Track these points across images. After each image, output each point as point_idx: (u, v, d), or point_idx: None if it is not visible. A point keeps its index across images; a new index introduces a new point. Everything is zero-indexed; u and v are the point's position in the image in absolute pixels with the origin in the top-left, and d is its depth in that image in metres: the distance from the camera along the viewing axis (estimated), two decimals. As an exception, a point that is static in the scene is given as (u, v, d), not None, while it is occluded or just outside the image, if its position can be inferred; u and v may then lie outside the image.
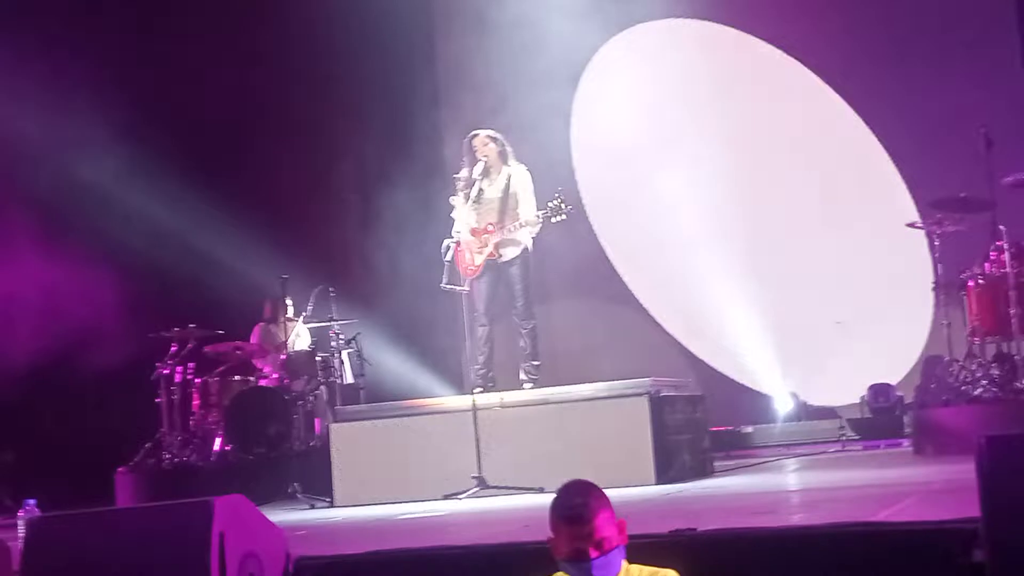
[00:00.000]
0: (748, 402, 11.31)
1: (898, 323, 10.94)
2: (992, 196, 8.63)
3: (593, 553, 3.49)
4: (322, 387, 10.29)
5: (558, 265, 11.09)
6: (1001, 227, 8.35)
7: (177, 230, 10.53)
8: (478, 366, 8.67)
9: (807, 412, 11.16)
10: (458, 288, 8.50)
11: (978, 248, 8.68)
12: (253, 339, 10.83)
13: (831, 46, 11.47)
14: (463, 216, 8.63)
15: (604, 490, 3.63)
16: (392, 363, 11.21)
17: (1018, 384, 8.10)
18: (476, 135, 8.71)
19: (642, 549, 3.72)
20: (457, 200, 8.72)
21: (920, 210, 10.21)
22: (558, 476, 6.98)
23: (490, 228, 8.56)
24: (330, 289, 10.36)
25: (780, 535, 4.53)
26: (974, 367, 8.33)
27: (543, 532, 3.63)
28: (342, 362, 10.44)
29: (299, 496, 8.52)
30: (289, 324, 10.59)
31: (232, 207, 10.52)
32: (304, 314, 10.62)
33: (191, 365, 10.11)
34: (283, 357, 10.34)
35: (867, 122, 11.43)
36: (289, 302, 10.56)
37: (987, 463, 3.74)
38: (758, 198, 11.59)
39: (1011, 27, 10.87)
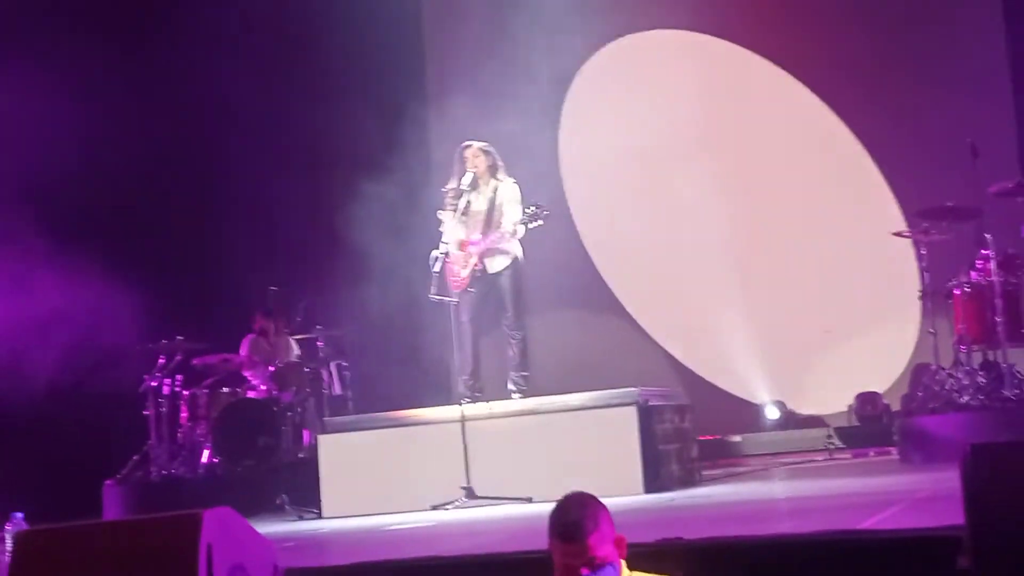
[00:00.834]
0: (736, 411, 11.32)
1: (885, 332, 10.97)
2: (978, 205, 8.66)
3: (584, 571, 3.50)
4: (311, 398, 10.29)
5: (546, 275, 11.10)
6: (987, 236, 8.38)
7: (162, 238, 10.52)
8: (466, 377, 8.67)
9: (795, 421, 11.17)
10: (447, 299, 8.50)
11: (964, 257, 8.72)
12: (243, 351, 10.84)
13: (818, 56, 11.50)
14: (451, 229, 8.63)
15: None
16: (380, 374, 11.19)
17: (1004, 392, 8.12)
18: (468, 146, 8.70)
19: (630, 558, 3.73)
20: (445, 214, 8.71)
21: (907, 219, 10.26)
22: (546, 486, 7.00)
23: (475, 240, 8.57)
24: (317, 300, 10.37)
25: (767, 543, 4.55)
26: (961, 375, 8.36)
27: (531, 542, 3.64)
28: (330, 373, 10.45)
29: (287, 508, 8.51)
30: (279, 336, 10.60)
31: (221, 217, 10.51)
32: (292, 326, 10.62)
33: (179, 377, 10.11)
34: (272, 369, 10.33)
35: (854, 132, 11.46)
36: (278, 314, 10.57)
37: (971, 471, 3.76)
38: (745, 207, 11.61)
39: (999, 36, 10.92)
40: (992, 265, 8.29)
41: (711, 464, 9.49)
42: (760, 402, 11.31)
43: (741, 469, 9.39)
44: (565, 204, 12.09)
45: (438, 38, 12.86)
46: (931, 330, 8.68)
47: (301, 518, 8.28)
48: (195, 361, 10.35)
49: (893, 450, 9.19)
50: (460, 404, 8.21)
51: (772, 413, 11.20)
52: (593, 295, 12.09)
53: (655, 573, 3.71)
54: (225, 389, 10.29)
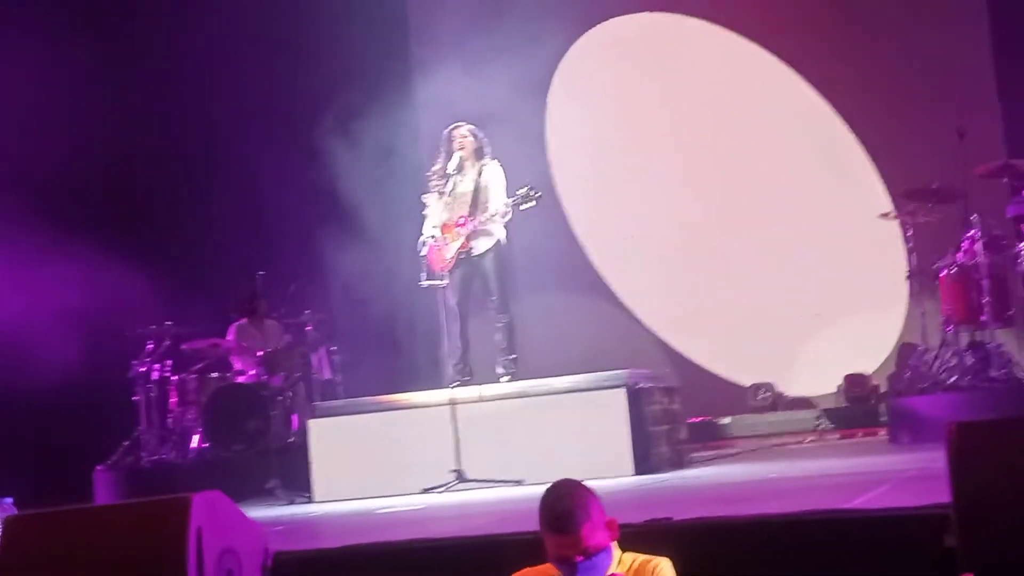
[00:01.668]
0: (724, 393, 11.34)
1: (873, 312, 10.99)
2: (964, 186, 8.69)
3: (578, 558, 3.52)
4: (300, 383, 10.29)
5: (534, 258, 11.10)
6: (973, 217, 8.41)
7: (150, 223, 10.50)
8: (455, 360, 8.68)
9: (783, 402, 11.20)
10: (436, 283, 8.50)
11: (951, 238, 8.75)
12: (229, 336, 10.82)
13: (804, 38, 11.50)
14: (436, 211, 8.62)
15: (583, 482, 3.65)
16: (370, 358, 11.20)
17: (991, 372, 8.16)
18: (457, 127, 8.69)
19: (621, 539, 3.75)
20: (430, 198, 8.70)
21: (894, 200, 10.28)
22: (536, 468, 7.03)
23: (461, 221, 8.56)
24: (306, 285, 10.36)
25: (756, 523, 4.57)
26: (948, 356, 8.40)
27: (521, 524, 3.66)
28: (320, 358, 10.44)
29: (278, 492, 8.52)
30: (267, 321, 10.59)
31: (208, 201, 10.48)
32: (280, 310, 10.61)
33: (168, 362, 10.10)
34: (261, 354, 10.33)
35: (840, 113, 11.46)
36: (266, 298, 10.57)
37: (957, 449, 3.79)
38: (732, 189, 11.62)
39: (982, 17, 10.93)
40: (978, 246, 8.33)
41: (700, 446, 9.51)
42: (748, 384, 11.31)
43: (730, 451, 9.41)
44: (552, 186, 12.08)
45: (424, 39, 12.73)
46: (919, 310, 8.72)
47: (292, 502, 8.29)
48: (184, 346, 10.35)
49: (881, 431, 9.23)
50: (450, 387, 8.22)
51: (761, 394, 11.14)
52: (581, 278, 12.10)
53: (646, 553, 3.74)
54: (214, 374, 10.29)
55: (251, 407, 9.87)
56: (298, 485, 8.45)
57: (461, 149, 8.62)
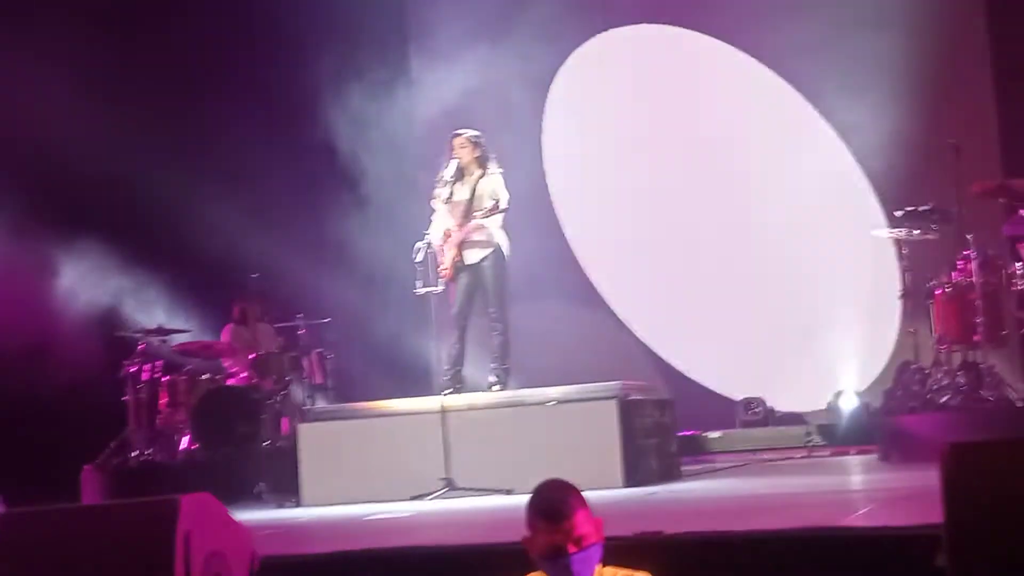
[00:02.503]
0: (715, 407, 11.33)
1: (866, 330, 10.99)
2: (960, 204, 8.69)
3: (571, 548, 3.51)
4: (291, 387, 10.27)
5: (527, 267, 11.07)
6: (968, 236, 8.41)
7: (142, 224, 10.47)
8: (447, 367, 8.66)
9: (774, 418, 11.19)
10: (432, 290, 8.48)
11: (945, 257, 8.75)
12: (223, 338, 10.80)
13: (802, 54, 11.50)
14: (439, 218, 8.60)
15: (573, 489, 3.64)
16: (361, 364, 11.18)
17: (983, 392, 8.16)
18: (457, 135, 8.67)
19: (609, 551, 3.74)
20: (438, 203, 8.67)
21: (888, 219, 10.28)
22: (526, 478, 6.98)
23: (451, 231, 8.54)
24: (299, 288, 10.35)
25: (746, 538, 4.56)
26: (940, 375, 8.39)
27: (510, 533, 3.64)
28: (311, 362, 10.43)
29: (266, 496, 8.50)
30: (260, 324, 10.57)
31: (200, 202, 10.45)
32: (273, 313, 10.59)
33: (159, 363, 10.08)
34: (252, 356, 10.31)
35: (837, 130, 11.47)
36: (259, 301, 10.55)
37: (950, 469, 3.77)
38: (727, 204, 11.62)
39: (980, 36, 10.95)
40: (973, 266, 8.32)
41: (690, 459, 9.50)
42: (739, 398, 11.30)
43: (720, 465, 9.40)
44: (547, 197, 12.08)
45: (423, 42, 12.72)
46: (911, 329, 8.71)
47: (280, 506, 8.27)
48: (176, 347, 10.32)
49: (873, 448, 9.22)
50: (441, 395, 8.21)
51: (752, 409, 11.12)
52: (575, 289, 12.09)
53: (628, 568, 3.72)
54: (205, 376, 10.27)
55: (241, 409, 9.85)
56: (286, 489, 8.43)
57: (459, 157, 8.60)
